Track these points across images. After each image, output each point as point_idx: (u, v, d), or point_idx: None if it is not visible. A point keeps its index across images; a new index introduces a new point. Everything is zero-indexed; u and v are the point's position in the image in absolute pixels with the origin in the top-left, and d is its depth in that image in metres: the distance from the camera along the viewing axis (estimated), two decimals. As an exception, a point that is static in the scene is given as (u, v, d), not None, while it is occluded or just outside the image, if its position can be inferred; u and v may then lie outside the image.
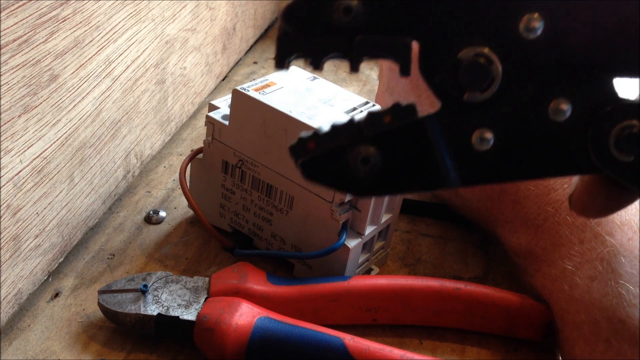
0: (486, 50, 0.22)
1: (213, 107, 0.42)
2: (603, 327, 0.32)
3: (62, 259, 0.41)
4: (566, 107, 0.23)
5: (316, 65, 0.23)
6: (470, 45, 0.23)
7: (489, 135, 0.23)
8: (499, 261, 0.45)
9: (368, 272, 0.42)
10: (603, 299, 0.33)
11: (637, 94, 0.24)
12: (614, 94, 0.23)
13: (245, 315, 0.34)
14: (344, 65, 0.76)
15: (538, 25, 0.22)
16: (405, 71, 0.23)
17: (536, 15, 0.22)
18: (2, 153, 0.33)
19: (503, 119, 0.23)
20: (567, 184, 0.37)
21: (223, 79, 0.65)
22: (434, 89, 0.23)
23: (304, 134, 0.23)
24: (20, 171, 0.34)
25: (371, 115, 0.23)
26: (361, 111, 0.39)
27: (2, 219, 0.34)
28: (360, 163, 0.23)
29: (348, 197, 0.37)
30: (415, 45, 0.23)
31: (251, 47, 0.72)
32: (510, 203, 0.40)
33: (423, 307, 0.38)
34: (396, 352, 0.34)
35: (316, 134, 0.23)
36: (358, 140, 0.23)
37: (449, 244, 0.47)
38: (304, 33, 0.23)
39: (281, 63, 0.23)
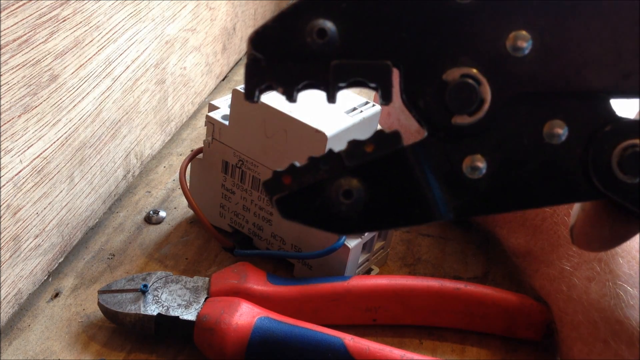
0: (473, 70, 0.21)
1: (213, 107, 0.42)
2: (601, 328, 0.32)
3: (62, 259, 0.41)
4: (562, 130, 0.22)
5: (289, 95, 0.21)
6: (456, 65, 0.21)
7: (480, 162, 0.22)
8: (499, 261, 0.45)
9: (368, 272, 0.42)
10: (601, 300, 0.33)
11: (637, 112, 0.24)
12: (612, 113, 0.22)
13: (245, 315, 0.34)
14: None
15: (526, 44, 0.21)
16: (386, 98, 0.21)
17: (524, 32, 0.21)
18: (2, 153, 0.33)
19: (495, 144, 0.22)
20: None
21: (223, 79, 0.65)
22: (418, 114, 0.22)
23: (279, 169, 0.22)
24: (20, 171, 0.34)
25: (353, 144, 0.22)
26: (361, 111, 0.39)
27: (2, 219, 0.34)
28: (342, 197, 0.22)
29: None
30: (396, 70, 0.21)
31: (251, 47, 0.72)
32: None
33: (423, 307, 0.38)
34: (396, 352, 0.34)
35: (293, 167, 0.22)
36: (339, 172, 0.22)
37: (449, 244, 0.47)
38: (276, 60, 0.21)
39: (250, 95, 0.21)
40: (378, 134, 0.22)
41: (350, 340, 0.34)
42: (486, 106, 0.21)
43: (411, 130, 0.44)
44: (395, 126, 0.46)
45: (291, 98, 0.21)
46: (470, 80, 0.21)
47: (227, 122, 0.40)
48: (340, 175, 0.22)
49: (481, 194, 0.22)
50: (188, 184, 0.43)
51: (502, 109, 0.22)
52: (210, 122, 0.41)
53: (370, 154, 0.22)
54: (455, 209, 0.22)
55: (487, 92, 0.21)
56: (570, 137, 0.22)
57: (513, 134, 0.22)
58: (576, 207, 0.25)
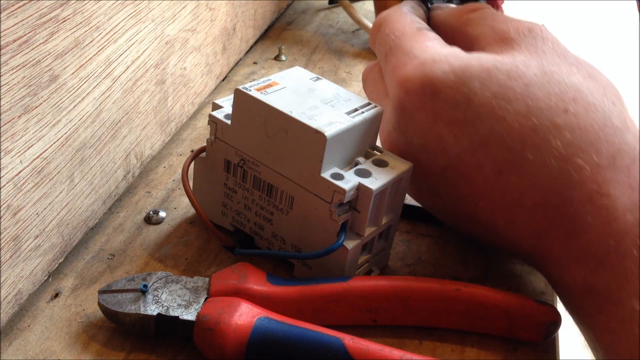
0: None
1: (216, 106, 0.42)
2: None
3: (62, 259, 0.41)
4: None
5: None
6: None
7: None
8: (499, 261, 0.45)
9: (368, 272, 0.42)
10: None
11: None
12: None
13: (245, 316, 0.34)
14: (344, 65, 0.76)
15: None
16: None
17: None
18: (2, 153, 0.33)
19: None
20: (630, 212, 0.33)
21: (223, 80, 0.65)
22: None
23: None
24: (21, 171, 0.34)
25: None
26: (362, 112, 0.39)
27: (2, 220, 0.34)
28: None
29: (347, 198, 0.37)
30: None
31: (251, 47, 0.72)
32: (562, 237, 0.36)
33: (423, 307, 0.38)
34: (396, 352, 0.34)
35: None
36: None
37: (449, 244, 0.47)
38: None
39: None
40: None
41: (350, 341, 0.34)
42: None
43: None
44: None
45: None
46: None
47: (229, 122, 0.40)
48: None
49: None
50: (190, 183, 0.43)
51: None
52: (213, 121, 0.41)
53: None
54: None
55: None
56: None
57: None
58: None
